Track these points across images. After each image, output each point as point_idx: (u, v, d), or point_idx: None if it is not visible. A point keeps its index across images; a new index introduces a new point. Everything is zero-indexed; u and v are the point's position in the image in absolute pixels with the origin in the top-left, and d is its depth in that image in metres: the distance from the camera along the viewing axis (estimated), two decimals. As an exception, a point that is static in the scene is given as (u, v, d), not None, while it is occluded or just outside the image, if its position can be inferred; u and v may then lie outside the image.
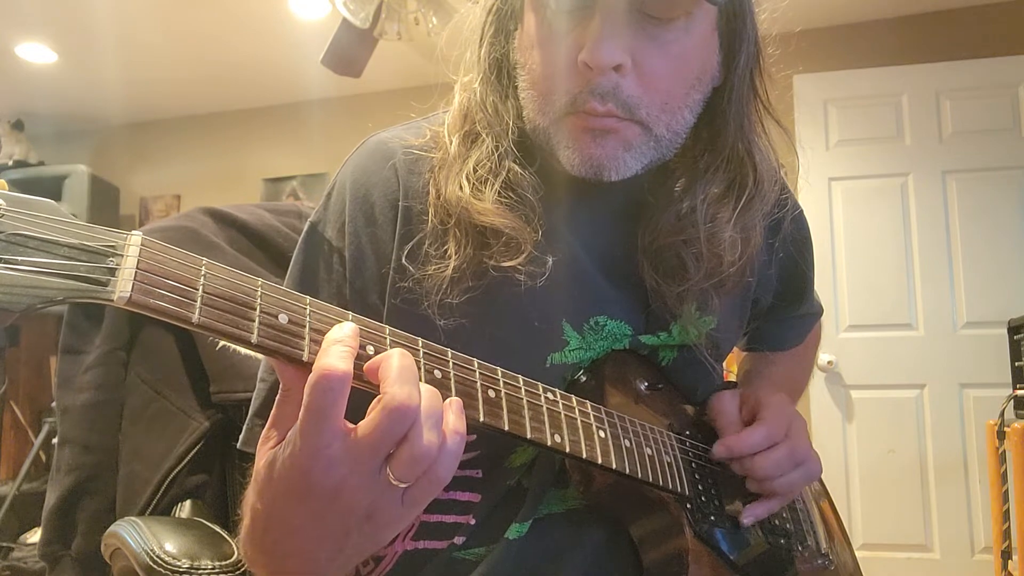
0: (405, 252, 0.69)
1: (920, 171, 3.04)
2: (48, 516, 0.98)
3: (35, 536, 3.23)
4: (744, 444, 0.72)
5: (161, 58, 3.66)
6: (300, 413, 0.46)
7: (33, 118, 4.23)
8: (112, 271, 0.42)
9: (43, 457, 3.59)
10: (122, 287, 0.42)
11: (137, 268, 0.43)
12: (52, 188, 3.95)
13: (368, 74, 2.73)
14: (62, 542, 0.97)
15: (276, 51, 3.58)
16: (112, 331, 1.00)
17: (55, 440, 1.04)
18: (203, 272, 0.46)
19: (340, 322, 0.50)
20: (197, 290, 0.45)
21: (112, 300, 0.42)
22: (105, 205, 4.10)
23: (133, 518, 0.77)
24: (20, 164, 4.13)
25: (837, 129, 3.13)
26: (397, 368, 0.48)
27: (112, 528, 0.78)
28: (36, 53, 3.59)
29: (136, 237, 0.44)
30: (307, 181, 4.12)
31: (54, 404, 1.06)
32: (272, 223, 1.08)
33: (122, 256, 0.43)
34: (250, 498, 0.56)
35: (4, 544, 3.24)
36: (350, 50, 2.59)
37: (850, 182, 3.10)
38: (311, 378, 0.46)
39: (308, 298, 0.50)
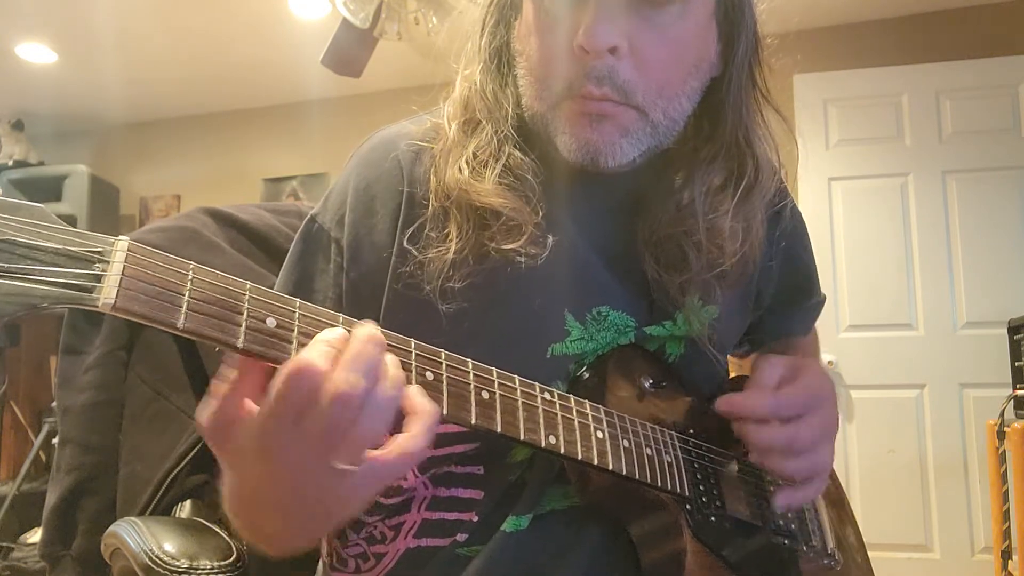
0: (407, 236, 0.69)
1: (920, 171, 3.04)
2: (48, 516, 0.98)
3: (35, 536, 3.23)
4: (744, 406, 0.70)
5: (161, 58, 3.66)
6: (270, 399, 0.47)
7: (33, 118, 4.23)
8: (98, 277, 0.42)
9: (43, 457, 3.59)
10: (107, 293, 0.42)
11: (123, 274, 0.43)
12: (52, 188, 3.95)
13: (368, 74, 2.73)
14: (62, 542, 0.97)
15: (276, 51, 3.57)
16: (112, 331, 1.00)
17: (55, 440, 1.04)
18: (190, 277, 0.45)
19: (330, 325, 0.50)
20: (183, 295, 0.45)
21: (97, 306, 0.42)
22: (105, 205, 4.10)
23: (132, 518, 0.77)
24: (20, 164, 4.13)
25: (837, 129, 3.13)
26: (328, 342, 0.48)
27: (111, 528, 0.78)
28: (36, 53, 3.59)
29: (122, 243, 0.44)
30: (307, 181, 4.12)
31: (54, 404, 1.05)
32: (273, 223, 1.08)
33: (108, 262, 0.43)
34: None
35: (4, 544, 3.24)
36: (350, 50, 2.59)
37: (850, 182, 3.10)
38: (287, 367, 0.46)
39: (298, 301, 0.50)
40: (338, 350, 0.47)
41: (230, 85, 4.00)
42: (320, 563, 0.82)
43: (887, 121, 3.09)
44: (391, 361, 0.49)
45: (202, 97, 4.16)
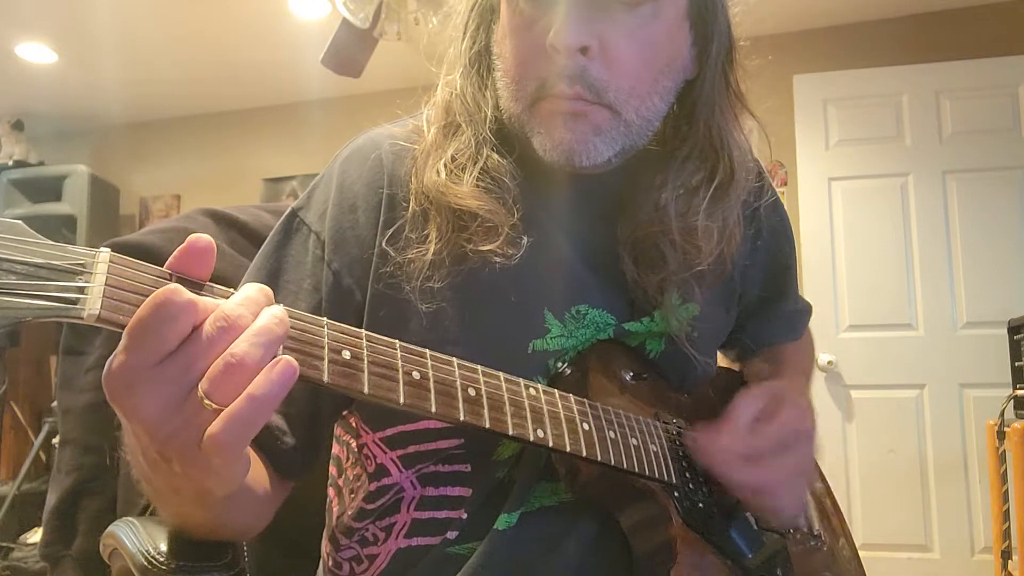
0: (387, 237, 0.70)
1: (920, 171, 3.04)
2: (49, 516, 0.98)
3: (35, 536, 3.24)
4: (712, 450, 0.70)
5: (161, 58, 3.66)
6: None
7: (33, 118, 4.22)
8: (81, 289, 0.42)
9: (43, 457, 3.59)
10: (91, 305, 0.42)
11: (106, 285, 0.42)
12: (52, 188, 3.95)
13: (368, 74, 2.72)
14: (63, 542, 0.97)
15: (276, 51, 3.57)
16: (113, 332, 1.00)
17: (55, 440, 1.04)
18: (173, 285, 0.45)
19: (314, 328, 0.50)
20: None
21: (82, 318, 0.42)
22: (105, 205, 4.10)
23: (131, 518, 0.77)
24: (20, 164, 4.13)
25: (837, 129, 3.13)
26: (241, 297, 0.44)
27: (110, 528, 0.78)
28: (36, 53, 3.59)
29: (104, 254, 0.43)
30: (307, 181, 4.06)
31: (54, 404, 1.05)
32: (272, 224, 1.08)
33: (91, 273, 0.42)
34: None
35: (4, 544, 3.25)
36: (350, 50, 2.59)
37: (850, 182, 3.10)
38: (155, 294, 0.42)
39: (282, 307, 0.49)
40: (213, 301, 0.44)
41: (230, 85, 4.00)
42: (320, 567, 0.82)
43: (887, 121, 3.09)
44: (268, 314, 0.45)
45: (202, 97, 4.16)
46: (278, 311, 0.45)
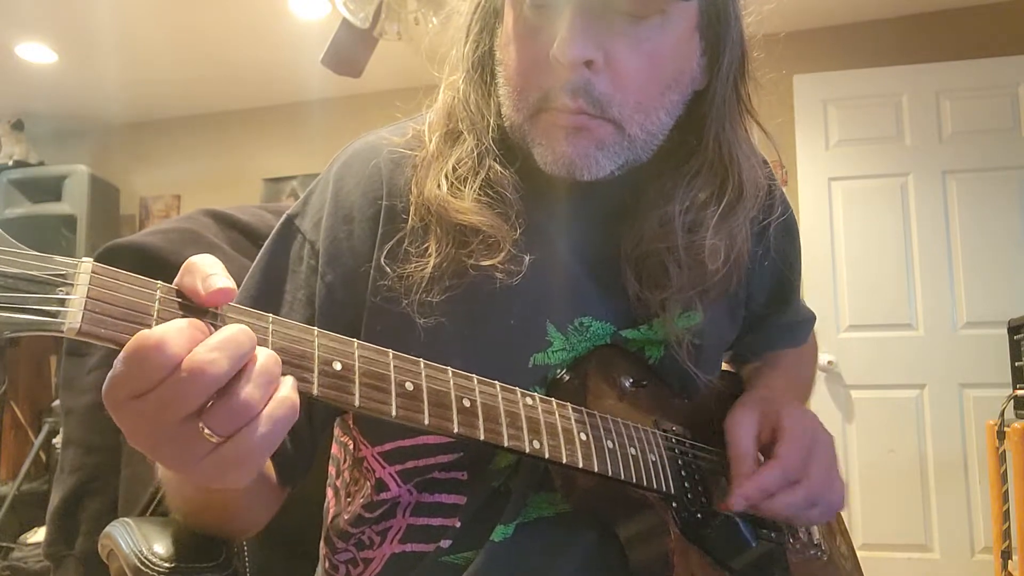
0: (385, 251, 0.69)
1: (920, 171, 3.04)
2: (52, 516, 0.98)
3: (35, 536, 3.23)
4: (757, 490, 0.68)
5: (161, 58, 3.66)
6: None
7: (33, 118, 4.22)
8: (62, 302, 0.40)
9: (43, 457, 3.59)
10: (72, 318, 0.40)
11: (87, 297, 0.41)
12: (52, 188, 3.95)
13: (368, 74, 2.72)
14: (66, 542, 0.97)
15: (276, 51, 3.57)
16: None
17: (55, 440, 1.04)
18: (158, 296, 0.44)
19: (304, 339, 0.49)
20: (152, 315, 0.43)
21: (62, 332, 0.41)
22: (105, 205, 4.10)
23: (126, 519, 0.77)
24: (20, 164, 4.13)
25: (837, 129, 3.13)
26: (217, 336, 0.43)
27: (107, 529, 0.77)
28: (36, 53, 3.59)
29: (86, 265, 0.42)
30: (307, 181, 4.07)
31: (55, 404, 1.05)
32: (274, 224, 1.08)
33: (72, 285, 0.41)
34: None
35: (4, 544, 3.24)
36: (350, 50, 2.59)
37: (850, 182, 3.10)
38: (131, 343, 0.42)
39: (271, 316, 0.49)
40: (202, 332, 0.43)
41: (230, 85, 4.00)
42: (319, 568, 0.82)
43: (887, 121, 3.09)
44: (266, 355, 0.45)
45: (202, 97, 4.15)
46: (270, 366, 0.45)
